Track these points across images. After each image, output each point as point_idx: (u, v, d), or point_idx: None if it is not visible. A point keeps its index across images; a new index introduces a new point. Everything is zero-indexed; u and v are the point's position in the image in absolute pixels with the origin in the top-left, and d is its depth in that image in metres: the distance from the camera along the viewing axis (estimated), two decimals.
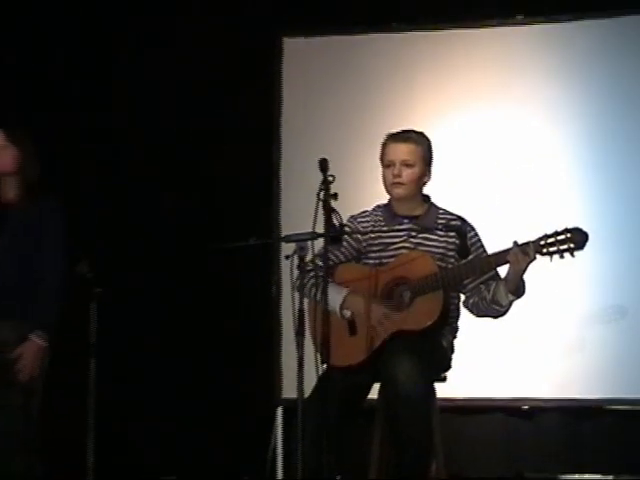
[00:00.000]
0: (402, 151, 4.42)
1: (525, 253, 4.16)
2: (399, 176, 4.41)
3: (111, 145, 7.61)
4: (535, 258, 4.18)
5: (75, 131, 7.42)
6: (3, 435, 4.58)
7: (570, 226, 4.16)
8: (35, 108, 7.07)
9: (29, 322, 4.62)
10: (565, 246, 4.14)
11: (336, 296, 4.31)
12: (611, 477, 7.02)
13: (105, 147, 7.59)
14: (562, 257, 4.15)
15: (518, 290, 4.28)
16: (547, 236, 4.17)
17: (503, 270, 4.32)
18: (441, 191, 4.63)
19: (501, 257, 4.23)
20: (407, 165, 4.41)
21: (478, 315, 4.43)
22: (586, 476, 7.06)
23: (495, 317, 4.41)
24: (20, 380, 4.57)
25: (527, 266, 4.19)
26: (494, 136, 7.14)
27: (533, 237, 4.21)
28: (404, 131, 4.50)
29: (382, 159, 4.48)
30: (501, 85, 7.16)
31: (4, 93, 7.21)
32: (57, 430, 5.35)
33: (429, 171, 4.48)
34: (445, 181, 4.73)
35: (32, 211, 4.71)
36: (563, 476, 7.09)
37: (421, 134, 4.50)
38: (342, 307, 4.33)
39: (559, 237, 4.15)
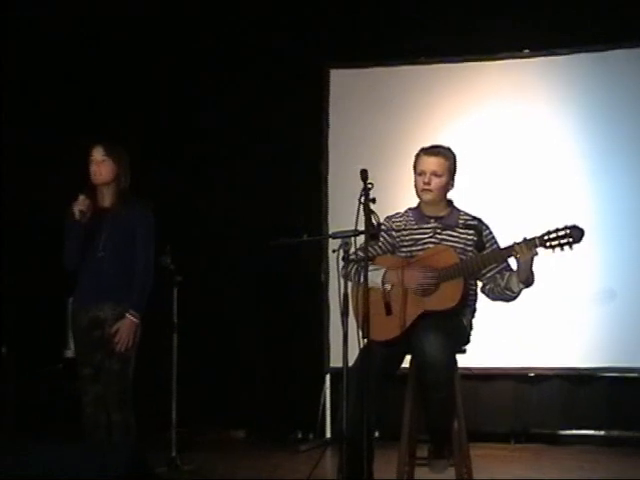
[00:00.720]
0: (432, 163, 4.39)
1: (529, 247, 4.14)
2: (429, 184, 4.38)
3: (184, 152, 7.69)
4: (537, 253, 4.14)
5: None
6: (105, 394, 4.62)
7: (569, 224, 4.13)
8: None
9: (124, 303, 4.64)
10: (565, 240, 4.10)
11: (377, 273, 4.30)
12: (603, 432, 6.99)
13: (176, 153, 7.67)
14: (562, 250, 4.11)
15: (528, 280, 4.23)
16: (549, 232, 4.13)
17: (514, 261, 4.29)
18: (462, 193, 4.60)
19: (511, 250, 4.20)
20: (436, 175, 4.38)
21: (493, 299, 4.39)
22: (581, 431, 7.03)
23: (507, 301, 4.37)
24: (117, 350, 4.59)
25: (532, 258, 4.16)
26: (504, 147, 7.13)
27: (538, 233, 4.18)
28: (435, 146, 4.46)
29: (415, 168, 4.45)
30: (511, 105, 7.16)
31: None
32: (147, 391, 5.38)
33: (453, 180, 4.45)
34: (465, 185, 4.66)
35: (126, 214, 4.71)
36: (562, 431, 7.07)
37: (449, 149, 4.47)
38: (383, 281, 4.32)
39: (559, 233, 4.11)
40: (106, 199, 4.75)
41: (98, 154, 4.72)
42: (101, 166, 4.71)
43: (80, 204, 4.61)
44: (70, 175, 5.12)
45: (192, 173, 7.63)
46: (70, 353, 6.01)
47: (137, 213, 4.73)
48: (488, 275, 4.33)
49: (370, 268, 4.14)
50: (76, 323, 4.71)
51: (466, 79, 7.26)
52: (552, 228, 4.13)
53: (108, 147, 4.74)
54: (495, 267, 4.31)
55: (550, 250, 4.12)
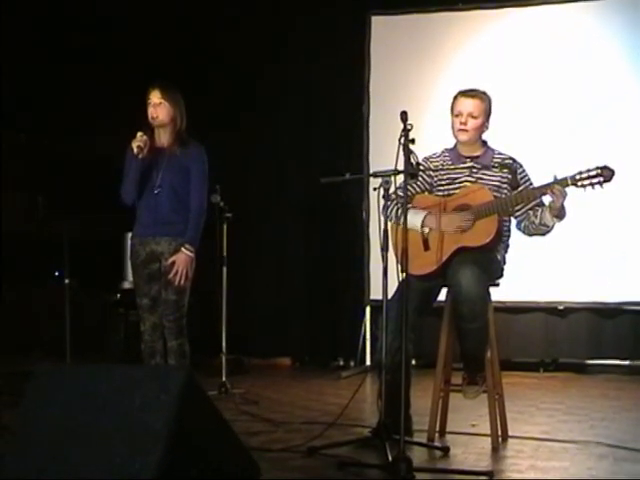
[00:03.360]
0: (469, 104, 4.35)
1: (563, 186, 4.10)
2: (465, 124, 4.34)
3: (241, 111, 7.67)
4: (567, 193, 4.11)
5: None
6: (161, 322, 4.68)
7: (600, 164, 4.08)
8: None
9: (180, 239, 4.67)
10: (596, 180, 4.05)
11: (416, 217, 4.29)
12: (627, 362, 7.00)
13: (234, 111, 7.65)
14: (593, 188, 4.08)
15: (560, 214, 4.21)
16: (581, 172, 4.08)
17: (547, 198, 4.26)
18: (498, 133, 4.56)
19: (544, 189, 4.17)
20: (472, 117, 4.34)
21: (529, 235, 4.38)
22: (607, 361, 7.03)
23: (543, 235, 4.36)
24: (174, 282, 4.63)
25: (565, 196, 4.13)
26: (539, 91, 7.03)
27: (570, 172, 4.13)
28: (472, 89, 4.41)
29: (452, 109, 4.41)
30: (546, 50, 7.05)
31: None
32: (199, 319, 5.45)
33: (488, 122, 4.41)
34: (501, 125, 4.61)
35: (181, 154, 4.70)
36: (589, 361, 7.08)
37: (485, 93, 4.42)
38: (422, 225, 4.31)
39: (591, 173, 4.06)
40: (163, 140, 4.74)
41: (155, 97, 4.70)
42: (158, 108, 4.69)
43: (138, 140, 4.61)
44: (125, 117, 5.12)
45: (240, 116, 7.61)
46: (127, 284, 6.08)
47: (192, 153, 4.73)
48: (521, 211, 4.32)
49: (410, 211, 4.12)
50: (134, 256, 4.74)
51: (502, 25, 7.16)
52: (584, 168, 4.08)
53: (165, 90, 4.71)
54: (528, 204, 4.29)
55: (582, 189, 4.09)
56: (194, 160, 4.72)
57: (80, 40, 7.44)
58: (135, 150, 4.60)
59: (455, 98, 4.41)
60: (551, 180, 4.14)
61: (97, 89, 7.31)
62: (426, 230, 4.29)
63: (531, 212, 4.30)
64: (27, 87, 7.30)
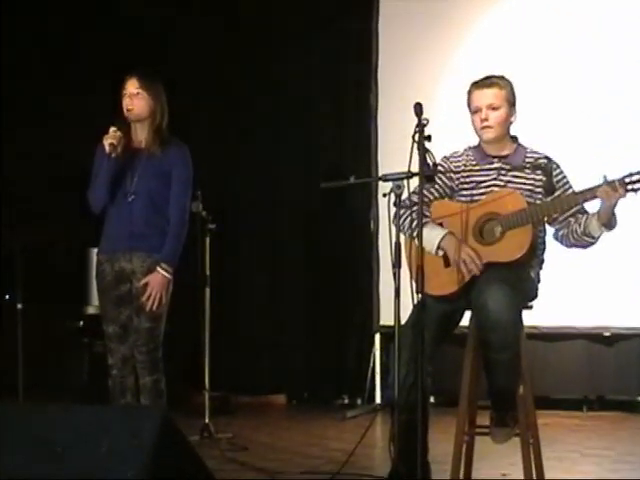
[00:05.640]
0: (487, 96, 4.35)
1: (614, 189, 4.09)
2: (487, 120, 4.34)
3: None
4: (624, 195, 4.09)
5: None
6: (133, 355, 4.66)
7: None
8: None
9: (156, 255, 4.65)
10: None
11: (433, 234, 4.26)
12: None
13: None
14: None
15: (610, 223, 4.20)
16: (632, 174, 4.09)
17: (589, 205, 4.26)
18: (528, 128, 4.56)
19: (588, 193, 4.16)
20: (493, 109, 4.35)
21: (568, 246, 4.37)
22: None
23: (585, 248, 4.36)
24: (147, 308, 4.61)
25: (617, 201, 4.11)
26: (574, 75, 7.02)
27: (618, 174, 4.13)
28: (486, 77, 4.42)
29: (469, 106, 4.42)
30: (580, 29, 7.05)
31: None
32: (177, 351, 5.45)
33: (514, 111, 4.41)
34: (531, 119, 4.62)
35: (162, 156, 4.69)
36: None
37: (502, 77, 4.42)
38: (439, 247, 4.27)
39: None
40: (140, 138, 4.73)
41: (132, 86, 4.70)
42: (134, 99, 4.68)
43: (111, 137, 4.60)
44: (90, 124, 5.14)
45: (227, 113, 7.63)
46: (92, 309, 6.08)
47: (174, 155, 4.71)
48: (560, 219, 4.31)
49: (427, 225, 4.12)
50: (101, 276, 4.73)
51: (524, 3, 7.16)
52: (635, 170, 4.08)
53: (144, 79, 4.71)
54: (568, 211, 4.28)
55: (632, 193, 4.08)
56: (176, 163, 4.71)
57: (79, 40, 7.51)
58: (107, 148, 4.58)
59: (469, 92, 4.42)
60: (597, 184, 4.13)
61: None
62: (440, 253, 4.27)
63: (572, 219, 4.29)
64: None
